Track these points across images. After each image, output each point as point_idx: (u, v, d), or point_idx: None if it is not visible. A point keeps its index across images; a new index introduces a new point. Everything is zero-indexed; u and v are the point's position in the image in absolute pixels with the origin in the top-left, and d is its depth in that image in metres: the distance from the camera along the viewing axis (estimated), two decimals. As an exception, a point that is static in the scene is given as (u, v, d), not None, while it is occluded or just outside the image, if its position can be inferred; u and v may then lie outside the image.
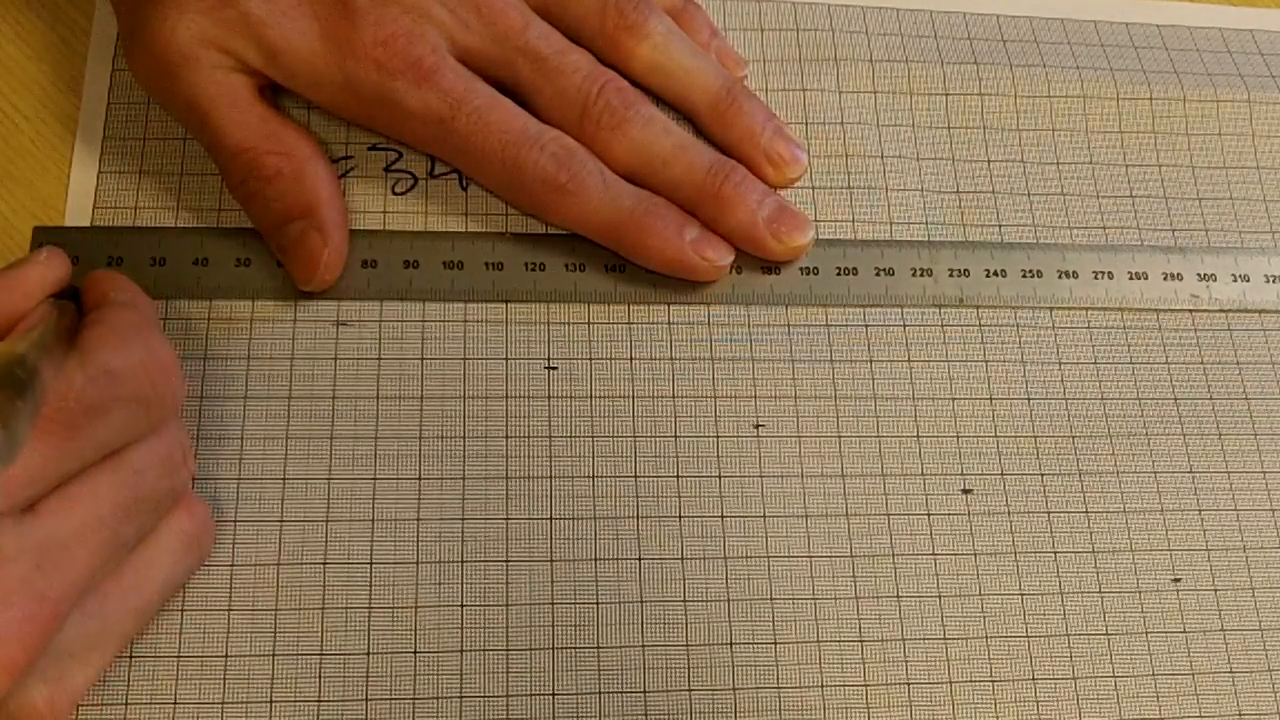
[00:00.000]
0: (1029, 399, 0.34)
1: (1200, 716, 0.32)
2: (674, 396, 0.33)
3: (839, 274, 0.35)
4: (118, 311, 0.27)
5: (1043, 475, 0.34)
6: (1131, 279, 0.36)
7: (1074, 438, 0.34)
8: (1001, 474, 0.34)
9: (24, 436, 0.21)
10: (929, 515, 0.33)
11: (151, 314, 0.29)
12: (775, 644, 0.31)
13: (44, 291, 0.27)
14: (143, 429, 0.25)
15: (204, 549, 0.28)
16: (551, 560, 0.31)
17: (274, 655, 0.29)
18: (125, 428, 0.25)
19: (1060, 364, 0.35)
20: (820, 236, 0.35)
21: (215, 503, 0.31)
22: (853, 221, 0.36)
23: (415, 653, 0.30)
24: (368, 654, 0.30)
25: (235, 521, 0.30)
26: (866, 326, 0.35)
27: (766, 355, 0.34)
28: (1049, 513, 0.33)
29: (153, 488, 0.25)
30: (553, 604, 0.31)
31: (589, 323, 0.34)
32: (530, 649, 0.30)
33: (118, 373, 0.24)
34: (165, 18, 0.31)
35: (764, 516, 0.32)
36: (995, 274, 0.36)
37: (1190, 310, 0.36)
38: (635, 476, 0.32)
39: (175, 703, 0.29)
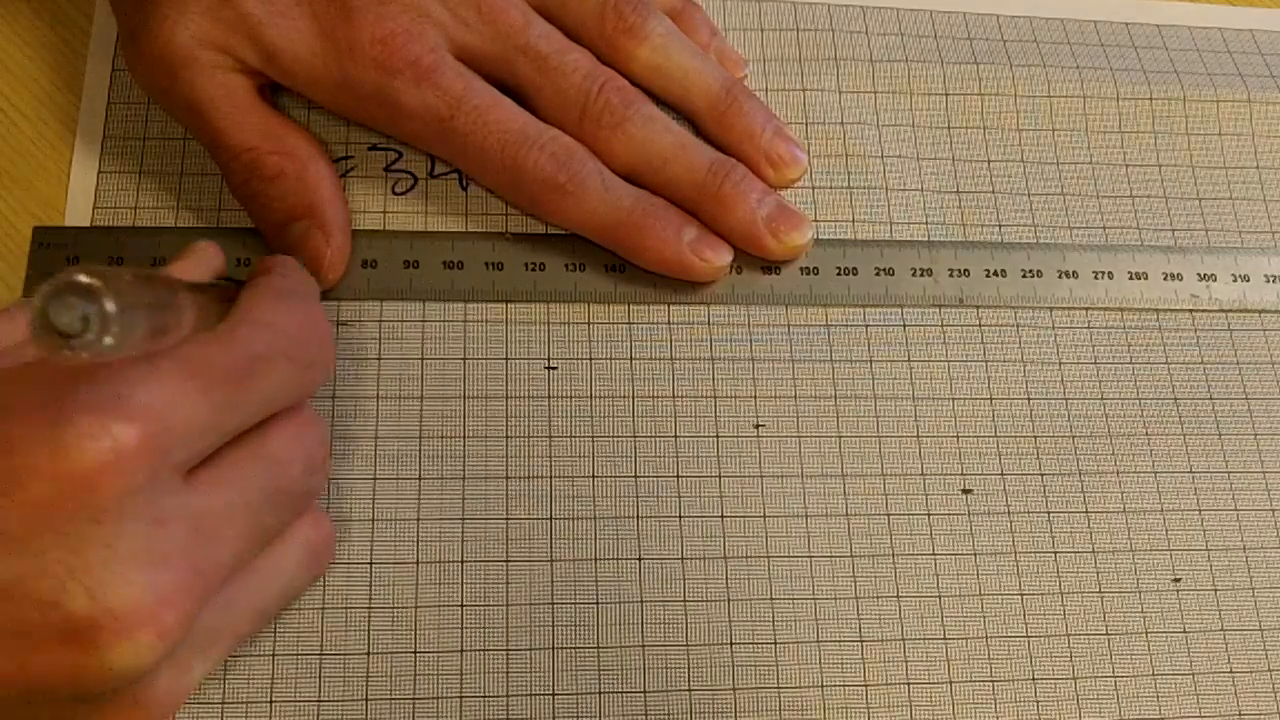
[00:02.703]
0: (1029, 399, 0.34)
1: (1200, 716, 0.32)
2: (674, 396, 0.33)
3: (839, 274, 0.35)
4: (277, 278, 0.26)
5: (1043, 475, 0.34)
6: (1131, 279, 0.36)
7: (1074, 438, 0.34)
8: (1001, 474, 0.34)
9: (138, 338, 0.20)
10: (929, 515, 0.33)
11: (312, 288, 0.29)
12: (775, 644, 0.31)
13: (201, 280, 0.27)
14: (297, 392, 0.25)
15: (322, 564, 0.27)
16: (551, 560, 0.31)
17: (274, 655, 0.29)
18: (283, 387, 0.24)
19: (1060, 364, 0.35)
20: (820, 236, 0.35)
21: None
22: (853, 221, 0.36)
23: (415, 653, 0.30)
24: (368, 654, 0.30)
25: (235, 521, 0.30)
26: (866, 326, 0.35)
27: (766, 355, 0.34)
28: (1049, 513, 0.33)
29: (295, 482, 0.25)
30: (553, 604, 0.31)
31: (589, 323, 0.34)
32: (530, 649, 0.30)
33: (279, 328, 0.24)
34: (164, 18, 0.31)
35: (764, 516, 0.32)
36: (995, 274, 0.36)
37: (1190, 310, 0.36)
38: (635, 476, 0.32)
39: (175, 703, 0.29)
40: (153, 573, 0.21)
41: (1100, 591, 0.33)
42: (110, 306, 0.18)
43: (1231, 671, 0.32)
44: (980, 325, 0.35)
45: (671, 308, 0.34)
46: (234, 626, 0.25)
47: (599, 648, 0.31)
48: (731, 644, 0.31)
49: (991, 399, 0.34)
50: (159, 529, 0.21)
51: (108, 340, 0.19)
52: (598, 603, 0.31)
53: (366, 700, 0.29)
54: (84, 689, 0.21)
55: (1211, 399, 0.35)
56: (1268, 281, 0.37)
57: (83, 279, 0.18)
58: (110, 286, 0.19)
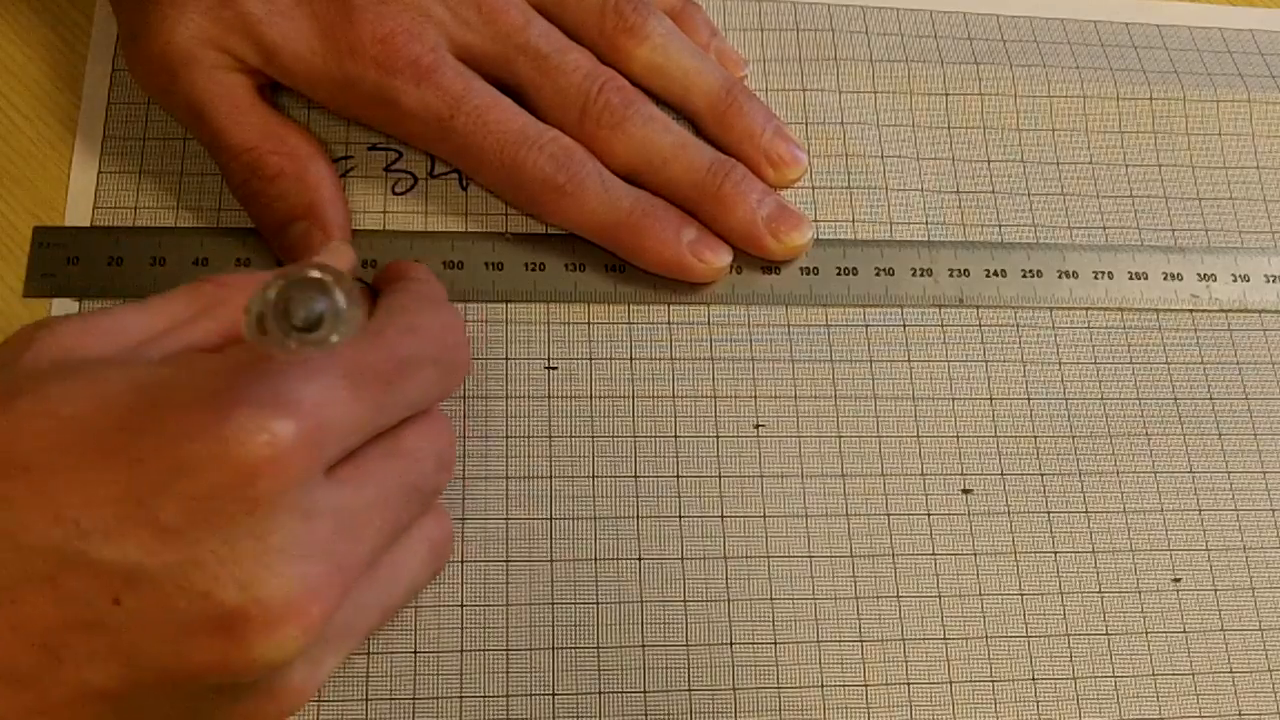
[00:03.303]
0: (1029, 399, 0.34)
1: (1200, 716, 0.32)
2: (674, 396, 0.33)
3: (839, 274, 0.35)
4: (416, 283, 0.27)
5: (1043, 475, 0.34)
6: (1131, 279, 0.36)
7: (1074, 438, 0.34)
8: (1001, 474, 0.34)
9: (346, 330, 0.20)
10: (929, 515, 0.33)
11: (445, 294, 0.29)
12: (775, 644, 0.31)
13: None
14: (438, 395, 0.25)
15: (442, 561, 0.27)
16: (551, 560, 0.31)
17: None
18: (427, 390, 0.25)
19: (1060, 364, 0.35)
20: (820, 236, 0.35)
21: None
22: (853, 221, 0.36)
23: (415, 653, 0.30)
24: (368, 654, 0.30)
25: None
26: (866, 326, 0.35)
27: (766, 355, 0.34)
28: (1049, 513, 0.33)
29: (427, 479, 0.25)
30: (553, 604, 0.31)
31: (589, 323, 0.34)
32: (530, 649, 0.30)
33: (422, 331, 0.24)
34: (164, 18, 0.31)
35: (764, 516, 0.32)
36: (995, 274, 0.36)
37: (1190, 310, 0.36)
38: (635, 476, 0.32)
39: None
40: (301, 566, 0.21)
41: (1100, 591, 0.33)
42: (343, 303, 0.19)
43: (1231, 671, 0.32)
44: (980, 325, 0.35)
45: (671, 308, 0.34)
46: (363, 622, 0.25)
47: (599, 648, 0.31)
48: (731, 644, 0.31)
49: (991, 399, 0.34)
50: (307, 524, 0.21)
51: (335, 338, 0.19)
52: (598, 603, 0.31)
53: (366, 700, 0.29)
54: (228, 679, 0.21)
55: (1211, 399, 0.35)
56: (1268, 281, 0.37)
57: (319, 274, 0.19)
58: (342, 283, 0.19)
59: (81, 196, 0.34)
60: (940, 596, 0.32)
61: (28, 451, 0.21)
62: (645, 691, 0.30)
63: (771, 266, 0.35)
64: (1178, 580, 0.33)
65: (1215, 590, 0.33)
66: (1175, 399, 0.35)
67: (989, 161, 0.38)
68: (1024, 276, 0.36)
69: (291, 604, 0.21)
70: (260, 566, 0.21)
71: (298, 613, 0.21)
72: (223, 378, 0.21)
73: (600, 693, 0.30)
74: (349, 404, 0.22)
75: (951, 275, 0.35)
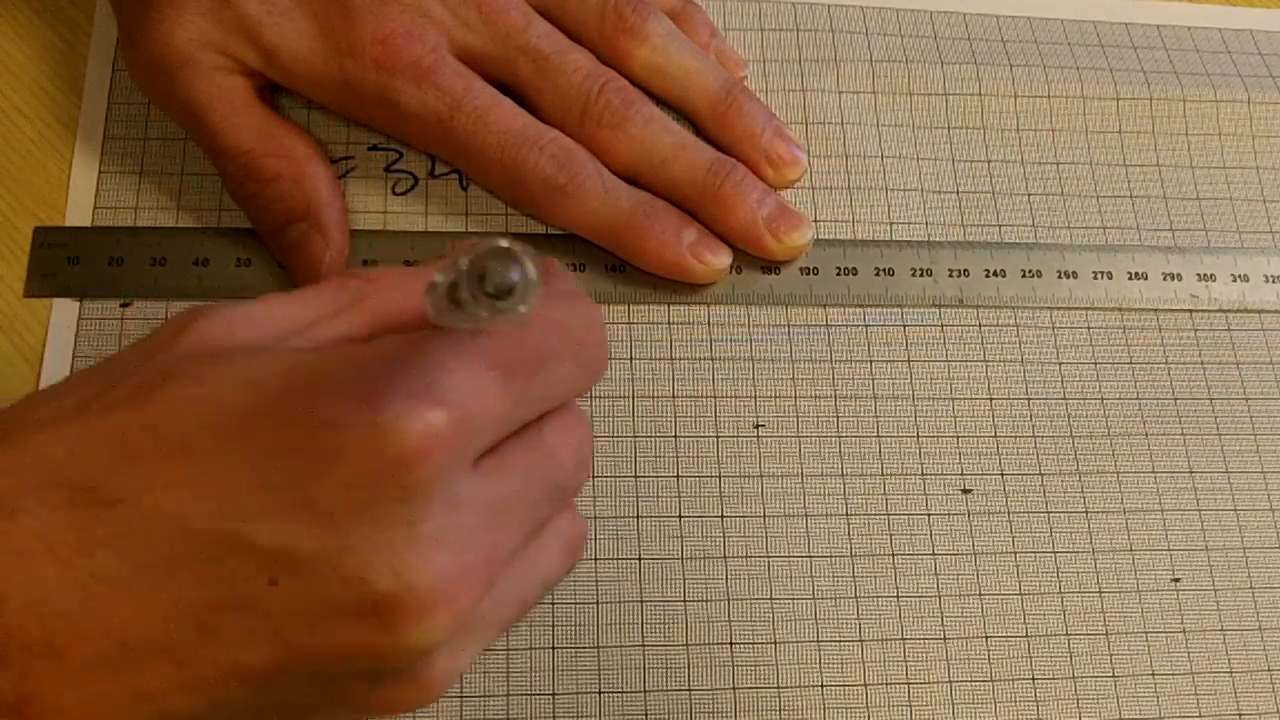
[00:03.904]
0: (1029, 399, 0.34)
1: (1200, 716, 0.32)
2: (674, 396, 0.33)
3: (839, 274, 0.35)
4: (554, 278, 0.26)
5: (1042, 475, 0.34)
6: (1131, 279, 0.36)
7: (1073, 438, 0.34)
8: (1001, 474, 0.34)
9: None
10: (929, 515, 0.33)
11: (582, 290, 0.29)
12: (775, 644, 0.31)
13: None
14: (577, 390, 0.25)
15: (575, 560, 0.27)
16: (552, 560, 0.31)
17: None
18: (567, 384, 0.25)
19: (1060, 364, 0.35)
20: (820, 236, 0.35)
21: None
22: (853, 221, 0.36)
23: (415, 652, 0.30)
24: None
25: (236, 521, 0.30)
26: (866, 327, 0.35)
27: (766, 355, 0.34)
28: (1049, 513, 0.33)
29: (566, 476, 0.25)
30: (553, 604, 0.31)
31: (589, 323, 0.34)
32: (530, 649, 0.30)
33: (563, 326, 0.24)
34: (163, 20, 0.31)
35: (764, 516, 0.32)
36: (995, 274, 0.36)
37: (1189, 310, 0.36)
38: (635, 476, 0.32)
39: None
40: (450, 555, 0.21)
41: (1100, 591, 0.33)
42: (534, 273, 0.19)
43: (1230, 671, 0.32)
44: (980, 325, 0.35)
45: (671, 308, 0.34)
46: (502, 614, 0.25)
47: (599, 648, 0.31)
48: (731, 644, 0.31)
49: (991, 399, 0.34)
50: (456, 513, 0.22)
51: (523, 308, 0.19)
52: (598, 603, 0.31)
53: (367, 700, 0.29)
54: (375, 665, 0.22)
55: (1211, 399, 0.35)
56: (1267, 281, 0.37)
57: (512, 245, 0.19)
58: (530, 255, 0.19)
59: (82, 197, 0.34)
60: (940, 596, 0.32)
61: (187, 434, 0.21)
62: (645, 691, 0.30)
63: (771, 266, 0.35)
64: (1177, 580, 0.33)
65: (1214, 590, 0.33)
66: (1175, 399, 0.35)
67: (988, 162, 0.38)
68: (1023, 277, 0.36)
69: (441, 592, 0.21)
70: (411, 553, 0.21)
71: (446, 601, 0.21)
72: (376, 367, 0.21)
73: (600, 693, 0.30)
74: (497, 396, 0.22)
75: (951, 275, 0.35)
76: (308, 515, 0.21)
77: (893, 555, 0.32)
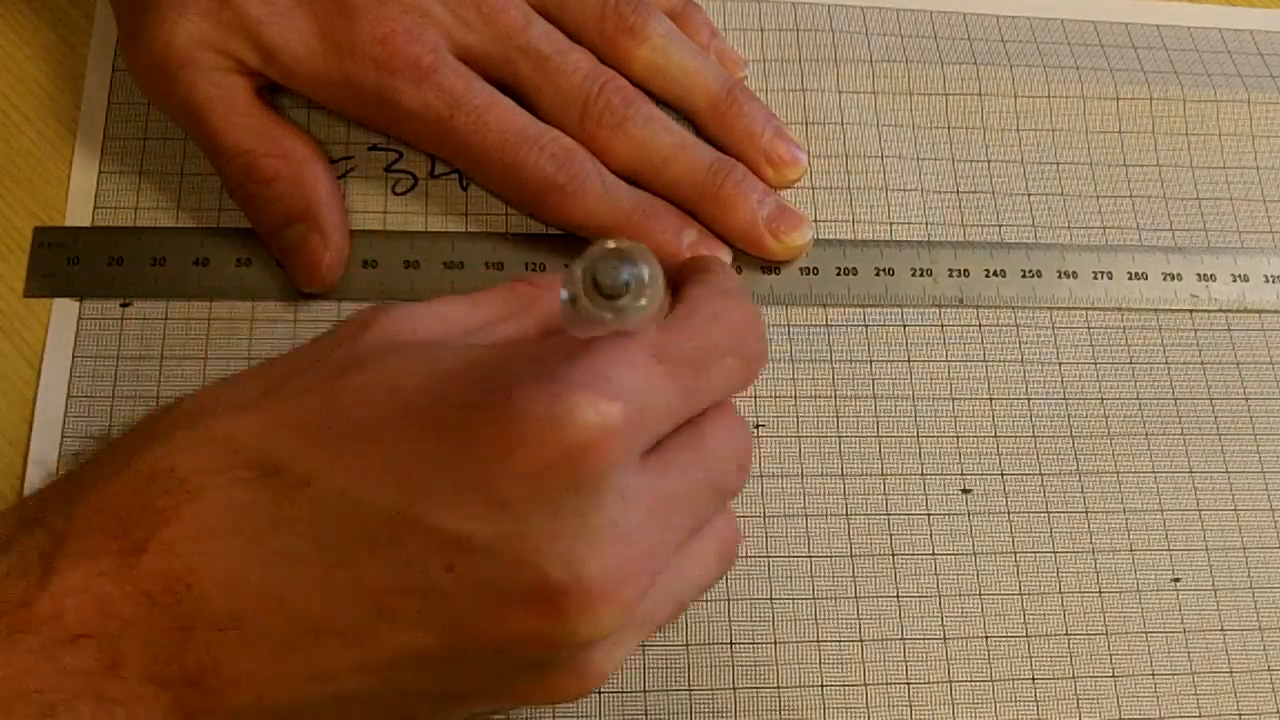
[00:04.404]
0: (1029, 399, 0.34)
1: (1199, 716, 0.32)
2: (674, 396, 0.33)
3: (839, 274, 0.35)
4: (715, 275, 0.27)
5: (1042, 475, 0.34)
6: (1131, 279, 0.36)
7: (1073, 438, 0.34)
8: (1001, 474, 0.34)
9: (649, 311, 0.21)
10: (929, 515, 0.33)
11: (742, 287, 0.30)
12: (775, 644, 0.31)
13: None
14: (738, 387, 0.25)
15: (730, 564, 0.28)
16: (552, 560, 0.31)
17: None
18: (730, 381, 0.25)
19: (1060, 364, 0.35)
20: (820, 236, 0.35)
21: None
22: (853, 221, 0.36)
23: (415, 652, 0.30)
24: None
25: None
26: (866, 327, 0.35)
27: (766, 355, 0.34)
28: (1049, 513, 0.33)
29: (727, 478, 0.25)
30: (553, 604, 0.31)
31: (589, 323, 0.34)
32: (530, 649, 0.30)
33: (725, 322, 0.25)
34: (163, 19, 0.31)
35: (764, 516, 0.32)
36: (995, 274, 0.36)
37: (1189, 310, 0.36)
38: (635, 476, 0.32)
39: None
40: (619, 547, 0.22)
41: (1100, 591, 0.33)
42: (648, 272, 0.20)
43: (1230, 671, 0.32)
44: (980, 325, 0.35)
45: (671, 308, 0.34)
46: (659, 613, 0.25)
47: (599, 647, 0.30)
48: (731, 644, 0.31)
49: (991, 399, 0.34)
50: (625, 507, 0.22)
51: (643, 302, 0.20)
52: (598, 603, 0.31)
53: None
54: (541, 654, 0.22)
55: (1211, 399, 0.35)
56: (1267, 281, 0.37)
57: (617, 244, 0.20)
58: (641, 252, 0.20)
59: (82, 197, 0.34)
60: (939, 596, 0.32)
61: (372, 420, 0.22)
62: (645, 691, 0.30)
63: (771, 266, 0.35)
64: (1177, 580, 0.33)
65: (1214, 590, 0.33)
66: (1175, 399, 0.35)
67: (988, 162, 0.38)
68: (1023, 277, 0.36)
69: (609, 583, 0.21)
70: (583, 545, 0.21)
71: (614, 592, 0.22)
72: (553, 361, 0.22)
73: (600, 692, 0.30)
74: (665, 390, 0.23)
75: (951, 275, 0.35)
76: (486, 502, 0.21)
77: (893, 555, 0.32)
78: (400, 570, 0.21)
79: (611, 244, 0.20)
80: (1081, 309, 0.36)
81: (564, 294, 0.20)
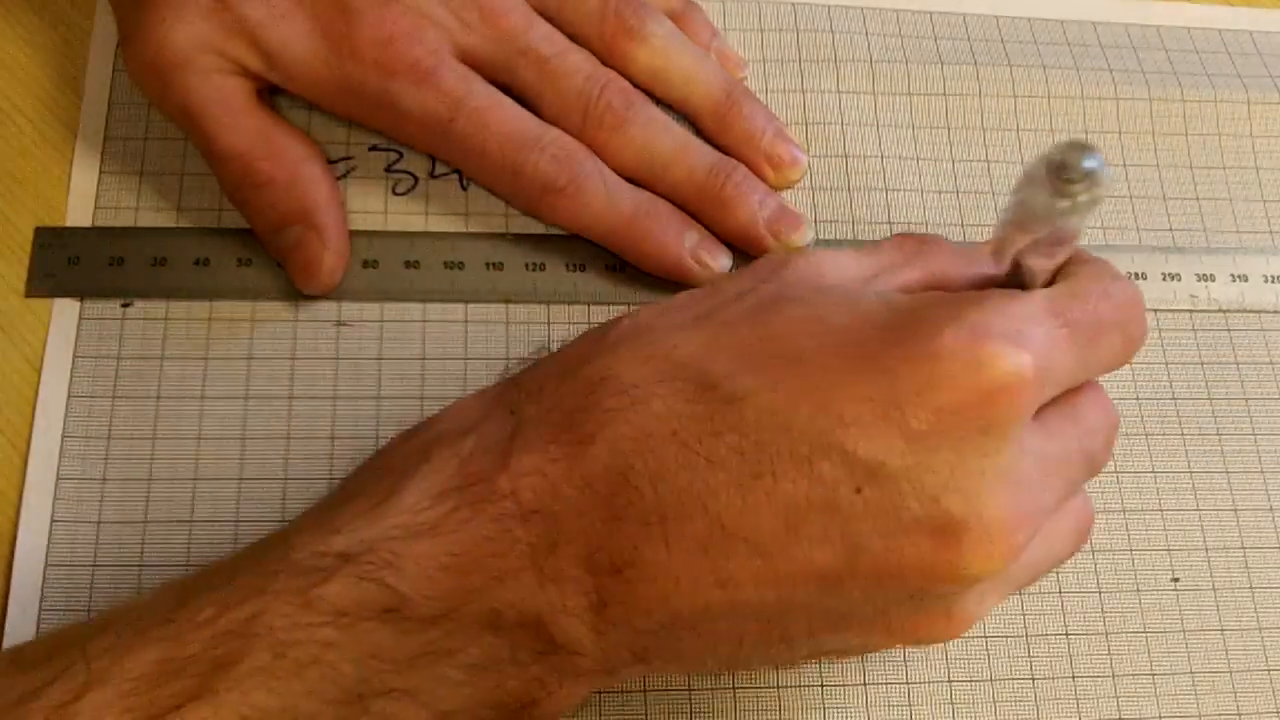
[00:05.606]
0: (1028, 399, 0.34)
1: (1199, 716, 0.32)
2: (674, 397, 0.33)
3: (839, 274, 0.35)
4: (1099, 259, 0.27)
5: (1042, 475, 0.34)
6: (1130, 279, 0.36)
7: (1073, 438, 0.34)
8: (1001, 474, 0.34)
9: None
10: (928, 515, 0.33)
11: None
12: (775, 644, 0.31)
13: None
14: (1118, 362, 0.26)
15: (1083, 543, 0.28)
16: (552, 560, 0.31)
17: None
18: (1113, 355, 0.26)
19: (1059, 364, 0.35)
20: (820, 236, 0.35)
21: (223, 502, 0.31)
22: (853, 221, 0.36)
23: (416, 652, 0.30)
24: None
25: (237, 522, 0.31)
26: (866, 327, 0.35)
27: (766, 355, 0.34)
28: (1048, 512, 0.33)
29: (1096, 452, 0.26)
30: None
31: (589, 323, 0.34)
32: (531, 649, 0.30)
33: (1117, 300, 0.25)
34: (162, 21, 0.31)
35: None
36: (994, 274, 0.36)
37: (1189, 310, 0.36)
38: (635, 476, 0.32)
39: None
40: (1014, 494, 0.23)
41: (1099, 591, 0.33)
42: (1105, 169, 0.21)
43: (1230, 671, 0.32)
44: (980, 325, 0.35)
45: (672, 308, 0.34)
46: (1021, 575, 0.26)
47: (599, 647, 0.31)
48: (732, 644, 0.31)
49: (991, 399, 0.34)
50: (1021, 457, 0.23)
51: (1098, 192, 0.21)
52: (598, 602, 0.31)
53: (367, 700, 0.29)
54: (925, 584, 0.23)
55: (1210, 399, 0.35)
56: (1266, 282, 0.37)
57: (1085, 140, 0.21)
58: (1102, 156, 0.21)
59: (83, 197, 0.34)
60: (940, 596, 0.32)
61: (802, 348, 0.23)
62: (645, 691, 0.30)
63: (771, 267, 0.35)
64: (1176, 580, 0.33)
65: (1214, 590, 0.33)
66: (1174, 399, 0.35)
67: (988, 162, 0.38)
68: (1023, 277, 0.36)
69: (1004, 526, 0.22)
70: (983, 485, 0.22)
71: (1006, 536, 0.23)
72: (972, 310, 0.23)
73: (600, 692, 0.30)
74: (1066, 353, 0.24)
75: (951, 276, 0.35)
76: (901, 433, 0.22)
77: (893, 555, 0.32)
78: (812, 488, 0.22)
79: (1079, 138, 0.21)
80: (1081, 309, 0.36)
81: (1022, 191, 0.21)
